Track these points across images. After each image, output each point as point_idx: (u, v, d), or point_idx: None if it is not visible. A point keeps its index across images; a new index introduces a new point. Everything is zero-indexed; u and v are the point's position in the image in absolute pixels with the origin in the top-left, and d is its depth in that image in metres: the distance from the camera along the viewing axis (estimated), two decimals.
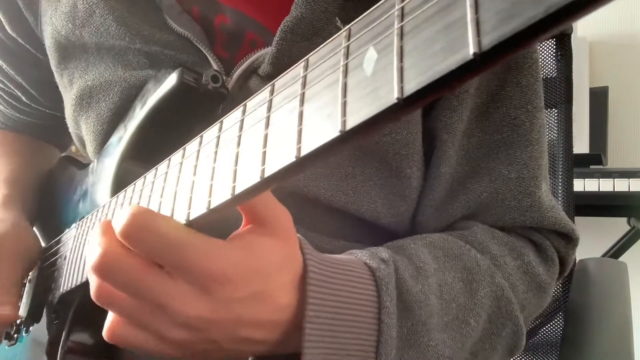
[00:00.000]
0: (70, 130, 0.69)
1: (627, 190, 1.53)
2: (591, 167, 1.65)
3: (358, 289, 0.44)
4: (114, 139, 0.60)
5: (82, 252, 0.57)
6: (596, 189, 1.55)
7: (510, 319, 0.55)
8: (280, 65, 0.52)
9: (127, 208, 0.38)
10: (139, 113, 0.56)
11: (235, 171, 0.35)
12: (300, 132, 0.30)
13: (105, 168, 0.60)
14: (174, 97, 0.53)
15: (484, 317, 0.53)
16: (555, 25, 0.17)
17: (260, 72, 0.53)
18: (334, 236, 0.57)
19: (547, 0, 0.17)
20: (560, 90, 1.00)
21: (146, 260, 0.39)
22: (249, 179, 0.34)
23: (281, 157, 0.31)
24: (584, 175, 1.55)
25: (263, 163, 0.33)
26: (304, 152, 0.29)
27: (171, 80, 0.52)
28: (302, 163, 0.30)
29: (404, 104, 0.23)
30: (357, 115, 0.25)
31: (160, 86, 0.54)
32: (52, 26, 0.65)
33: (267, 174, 0.32)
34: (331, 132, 0.27)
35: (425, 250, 0.53)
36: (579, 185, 1.53)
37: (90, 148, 0.65)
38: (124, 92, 0.59)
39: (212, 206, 0.36)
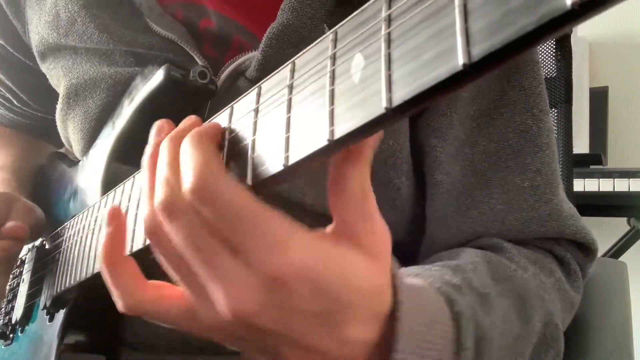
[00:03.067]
0: (60, 131, 0.69)
1: (627, 190, 1.52)
2: (591, 167, 1.64)
3: (437, 327, 0.37)
4: (102, 136, 0.60)
5: (74, 254, 0.56)
6: (596, 189, 1.54)
7: (554, 345, 0.51)
8: (267, 71, 0.50)
9: (197, 154, 0.32)
10: (127, 110, 0.55)
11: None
12: (287, 139, 0.29)
13: (94, 166, 0.59)
14: (162, 94, 0.52)
15: (535, 344, 0.49)
16: (548, 34, 0.16)
17: (248, 75, 0.52)
18: None
19: (540, 9, 0.16)
20: (560, 91, 0.99)
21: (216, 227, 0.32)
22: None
23: (269, 164, 0.30)
24: (584, 175, 1.54)
25: (252, 170, 0.32)
26: (292, 161, 0.29)
27: (158, 76, 0.51)
28: (290, 171, 0.29)
29: (393, 113, 0.22)
30: (346, 125, 0.25)
31: (147, 82, 0.53)
32: (38, 35, 0.65)
33: (257, 180, 0.32)
34: (319, 140, 0.26)
35: (483, 270, 0.48)
36: (579, 185, 1.52)
37: (77, 147, 0.64)
38: (110, 89, 0.58)
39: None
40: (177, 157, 0.34)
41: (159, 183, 0.34)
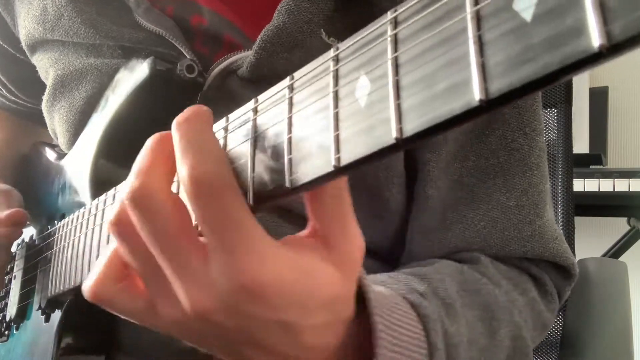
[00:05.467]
0: (47, 123, 0.68)
1: (627, 190, 1.52)
2: (591, 167, 1.64)
3: (409, 329, 0.39)
4: (87, 129, 0.59)
5: (68, 257, 0.56)
6: (596, 189, 1.54)
7: (525, 358, 0.52)
8: (259, 74, 0.50)
9: (206, 148, 0.31)
10: (112, 104, 0.54)
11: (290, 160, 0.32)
12: (290, 161, 0.28)
13: (81, 162, 0.58)
14: (147, 88, 0.50)
15: (504, 358, 0.50)
16: (570, 74, 0.15)
17: (239, 74, 0.51)
18: None
19: (564, 49, 0.15)
20: (559, 90, 0.99)
21: (189, 220, 0.32)
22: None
23: (272, 185, 0.30)
24: (584, 175, 1.54)
25: (252, 190, 0.31)
26: (296, 184, 0.28)
27: (143, 69, 0.50)
28: (293, 192, 0.29)
29: (403, 144, 0.21)
30: (353, 153, 0.24)
31: (132, 76, 0.52)
32: (25, 29, 0.65)
33: (255, 201, 0.31)
34: (325, 166, 0.26)
35: (449, 281, 0.49)
36: (579, 185, 1.52)
37: (63, 139, 0.64)
38: (96, 80, 0.57)
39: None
40: (167, 142, 0.33)
41: (139, 172, 0.33)
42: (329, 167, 0.25)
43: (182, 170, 0.30)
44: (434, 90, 0.19)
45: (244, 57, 0.51)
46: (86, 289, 0.35)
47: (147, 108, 0.52)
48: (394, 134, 0.21)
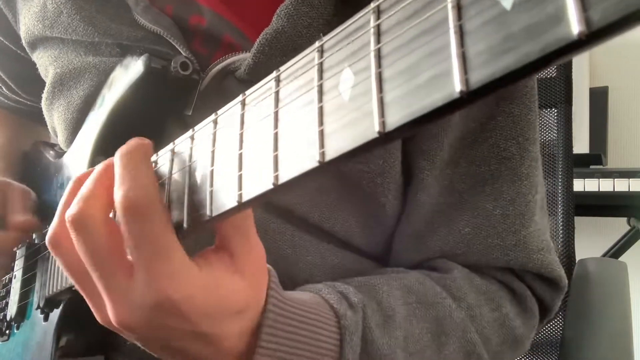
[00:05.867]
0: (47, 121, 0.69)
1: (627, 190, 1.52)
2: (591, 167, 1.63)
3: (320, 339, 0.42)
4: (84, 127, 0.59)
5: None
6: (596, 189, 1.53)
7: None
8: (258, 76, 0.49)
9: (140, 177, 0.35)
10: (108, 102, 0.54)
11: (211, 193, 0.33)
12: (276, 158, 0.28)
13: (79, 160, 0.58)
14: (142, 85, 0.50)
15: None
16: (551, 62, 0.15)
17: (237, 75, 0.51)
18: (322, 239, 0.55)
19: (544, 37, 0.14)
20: (560, 90, 0.99)
21: (121, 243, 0.36)
22: (224, 203, 0.32)
23: (258, 183, 0.29)
24: (584, 175, 1.53)
25: (240, 188, 0.31)
26: (281, 180, 0.28)
27: (137, 67, 0.50)
28: (280, 190, 0.28)
29: (386, 138, 0.21)
30: (337, 147, 0.23)
31: (126, 73, 0.52)
32: (25, 26, 0.65)
33: (244, 198, 0.31)
34: (310, 161, 0.25)
35: (397, 294, 0.50)
36: (579, 185, 1.51)
37: (62, 137, 0.64)
38: (94, 79, 0.57)
39: (186, 225, 0.35)
40: (109, 173, 0.37)
41: (80, 198, 0.37)
42: (313, 163, 0.25)
43: (117, 196, 0.35)
44: (416, 82, 0.19)
45: (242, 59, 0.51)
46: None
47: (143, 105, 0.52)
48: (376, 127, 0.21)
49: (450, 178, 0.56)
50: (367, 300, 0.47)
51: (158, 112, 0.52)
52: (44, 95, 0.64)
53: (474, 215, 0.56)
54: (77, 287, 0.39)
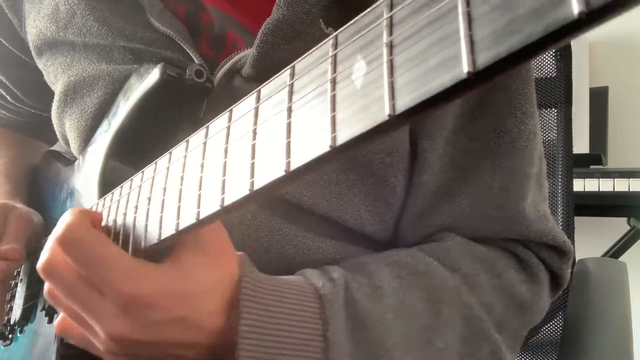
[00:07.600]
0: (56, 129, 0.69)
1: (627, 190, 1.52)
2: (591, 167, 1.64)
3: (300, 310, 0.43)
4: (98, 135, 0.59)
5: None
6: (596, 189, 1.53)
7: (485, 339, 0.53)
8: (262, 68, 0.51)
9: (67, 215, 0.41)
10: (123, 109, 0.55)
11: (223, 182, 0.34)
12: (289, 145, 0.29)
13: (90, 167, 0.59)
14: (158, 93, 0.51)
15: (455, 338, 0.51)
16: (554, 43, 0.16)
17: (243, 73, 0.52)
18: (325, 236, 0.56)
19: (546, 18, 0.15)
20: (560, 90, 0.99)
21: (80, 275, 0.41)
22: (237, 191, 0.33)
23: (270, 170, 0.30)
24: (584, 175, 1.54)
25: (252, 176, 0.32)
26: (293, 166, 0.28)
27: (154, 75, 0.51)
28: (291, 177, 0.29)
29: (396, 121, 0.22)
30: (348, 131, 0.24)
31: (142, 81, 0.53)
32: (36, 28, 0.65)
33: (255, 187, 0.31)
34: (321, 146, 0.26)
35: (386, 270, 0.51)
36: (579, 185, 1.52)
37: (74, 145, 0.64)
38: (108, 86, 0.58)
39: (201, 217, 0.35)
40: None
41: (46, 249, 0.43)
42: (325, 147, 0.26)
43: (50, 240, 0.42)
44: (426, 66, 0.20)
45: (246, 55, 0.52)
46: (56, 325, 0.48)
47: (156, 112, 0.53)
48: (387, 111, 0.22)
49: (452, 154, 0.57)
50: (353, 275, 0.49)
51: (171, 117, 0.53)
52: (55, 104, 0.64)
53: (474, 189, 0.57)
54: (69, 319, 0.45)
